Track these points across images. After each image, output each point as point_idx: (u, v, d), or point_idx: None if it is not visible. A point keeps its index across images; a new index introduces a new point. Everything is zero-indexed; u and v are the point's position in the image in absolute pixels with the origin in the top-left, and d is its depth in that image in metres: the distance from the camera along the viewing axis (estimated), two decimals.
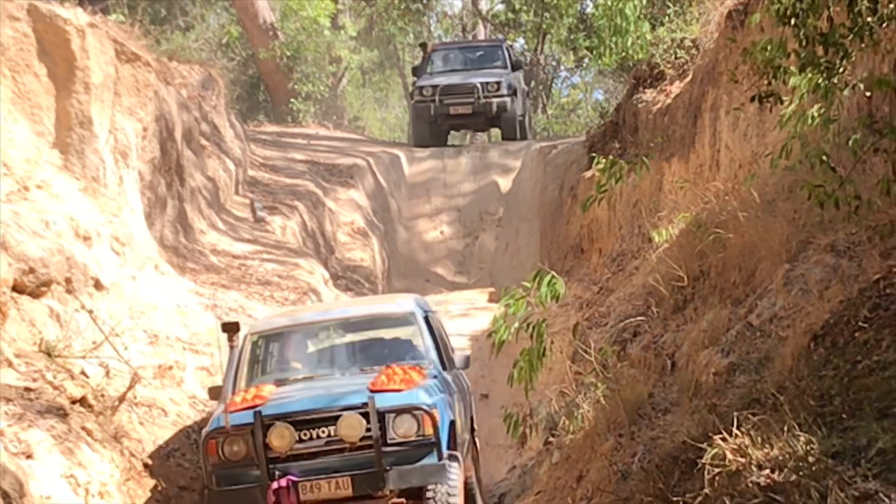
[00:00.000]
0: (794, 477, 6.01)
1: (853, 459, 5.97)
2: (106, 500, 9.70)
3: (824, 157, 7.71)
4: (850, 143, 7.85)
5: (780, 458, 6.22)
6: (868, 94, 8.63)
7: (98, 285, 12.55)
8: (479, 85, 26.02)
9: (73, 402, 10.39)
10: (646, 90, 18.50)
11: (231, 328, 10.69)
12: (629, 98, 19.27)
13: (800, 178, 8.92)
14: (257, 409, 10.17)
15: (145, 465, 10.83)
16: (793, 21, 7.46)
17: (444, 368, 11.39)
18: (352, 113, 37.36)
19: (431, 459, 10.09)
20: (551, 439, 12.02)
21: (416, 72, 27.97)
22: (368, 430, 10.01)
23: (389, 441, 10.07)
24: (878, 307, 7.37)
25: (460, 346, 14.61)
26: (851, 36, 7.36)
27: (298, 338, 11.78)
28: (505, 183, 24.73)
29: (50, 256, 11.70)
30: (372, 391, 10.19)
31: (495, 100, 25.99)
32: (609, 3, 15.68)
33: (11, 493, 8.31)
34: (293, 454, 10.06)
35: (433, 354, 11.33)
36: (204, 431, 10.34)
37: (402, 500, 10.17)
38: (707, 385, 8.83)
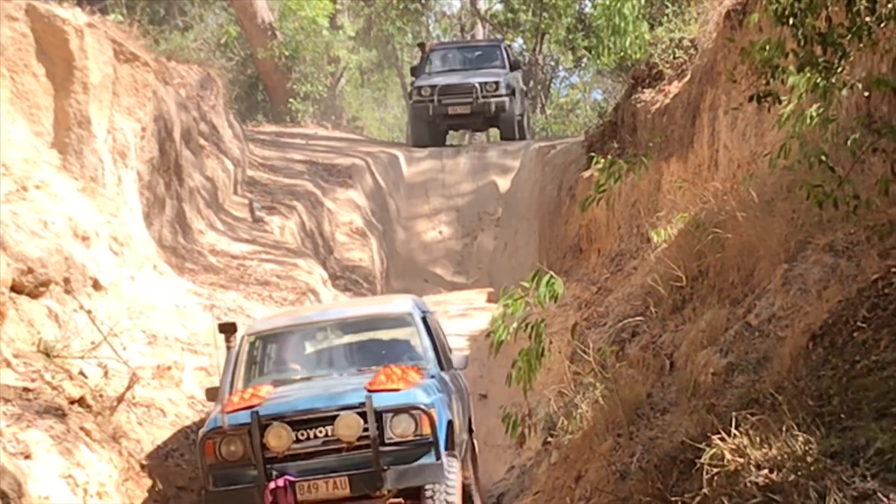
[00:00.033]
0: (792, 477, 6.00)
1: (852, 459, 5.97)
2: (104, 501, 9.69)
3: (823, 157, 7.70)
4: (849, 142, 7.84)
5: (779, 458, 6.21)
6: (866, 93, 8.63)
7: (96, 285, 12.55)
8: (477, 85, 26.01)
9: (72, 403, 10.38)
10: (644, 90, 18.49)
11: (228, 329, 10.68)
12: (628, 98, 19.27)
13: (798, 177, 8.91)
14: (254, 409, 10.16)
15: (144, 466, 10.82)
16: (791, 21, 7.46)
17: (442, 369, 11.38)
18: (350, 113, 37.36)
19: (429, 459, 10.08)
20: (550, 439, 12.02)
21: (415, 72, 27.96)
22: (366, 429, 9.99)
23: (387, 441, 10.05)
24: (877, 307, 7.36)
25: (459, 346, 14.62)
26: (850, 36, 7.35)
27: (295, 338, 11.76)
28: (503, 183, 24.72)
29: (48, 256, 11.69)
30: (369, 391, 10.18)
31: (494, 100, 25.99)
32: (607, 2, 15.69)
33: (10, 494, 8.31)
34: (290, 454, 10.04)
35: (430, 355, 11.33)
36: (201, 432, 10.33)
37: (400, 499, 10.16)
38: (705, 385, 8.83)
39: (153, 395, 12.13)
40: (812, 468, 5.98)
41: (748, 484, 6.15)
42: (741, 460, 6.37)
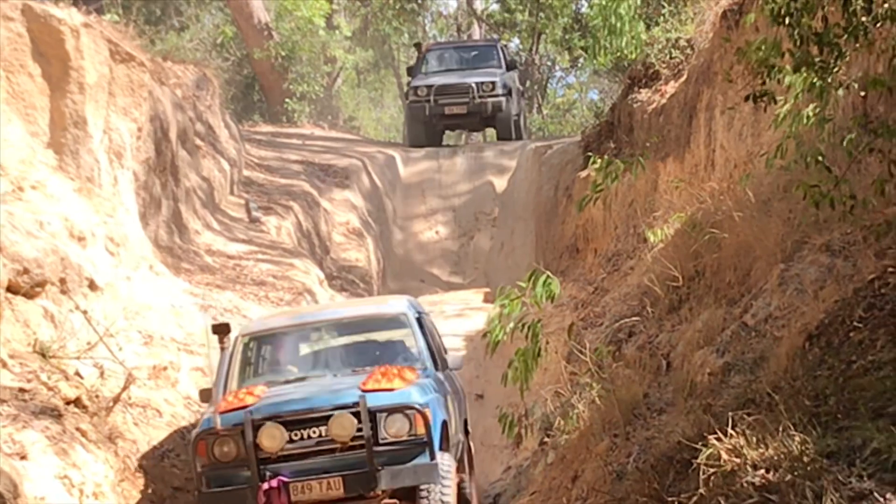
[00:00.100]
0: (789, 477, 6.00)
1: (848, 459, 5.97)
2: (100, 501, 9.69)
3: (819, 157, 7.70)
4: (845, 142, 7.84)
5: (775, 458, 6.21)
6: (863, 93, 8.63)
7: (92, 286, 12.53)
8: (474, 85, 26.00)
9: (68, 403, 10.37)
10: (641, 90, 18.48)
11: (222, 330, 10.65)
12: (624, 98, 19.26)
13: (795, 177, 8.90)
14: (248, 409, 10.14)
15: (140, 466, 10.81)
16: (787, 21, 7.45)
17: (437, 369, 11.37)
18: (347, 113, 37.34)
19: (423, 459, 10.06)
20: (546, 439, 12.02)
21: (411, 72, 27.94)
22: (360, 429, 9.97)
23: (381, 441, 10.03)
24: (873, 307, 7.36)
25: (455, 346, 14.62)
26: (846, 35, 7.35)
27: (290, 339, 11.73)
28: (500, 183, 24.71)
29: (44, 257, 11.68)
30: (363, 390, 10.16)
31: (490, 100, 25.98)
32: (604, 2, 15.68)
33: (6, 494, 8.31)
34: (284, 454, 10.02)
35: (425, 355, 11.31)
36: (194, 432, 10.31)
37: (395, 500, 10.13)
38: (702, 385, 8.82)
39: (149, 396, 12.12)
40: (808, 468, 5.98)
41: (745, 484, 6.14)
42: (738, 460, 6.37)
